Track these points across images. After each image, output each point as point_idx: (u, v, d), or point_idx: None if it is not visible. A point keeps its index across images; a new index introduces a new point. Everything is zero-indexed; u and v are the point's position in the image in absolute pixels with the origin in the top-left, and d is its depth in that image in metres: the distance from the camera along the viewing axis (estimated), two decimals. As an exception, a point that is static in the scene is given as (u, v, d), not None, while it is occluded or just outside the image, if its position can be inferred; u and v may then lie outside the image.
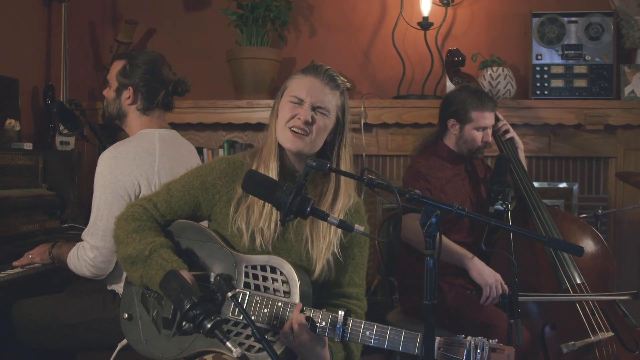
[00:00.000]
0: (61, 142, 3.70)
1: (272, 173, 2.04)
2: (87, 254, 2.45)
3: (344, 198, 2.08)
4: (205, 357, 1.97)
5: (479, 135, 3.14)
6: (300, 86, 2.06)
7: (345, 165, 2.11)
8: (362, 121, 4.07)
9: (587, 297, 2.94)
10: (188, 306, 1.67)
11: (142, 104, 2.66)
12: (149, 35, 4.60)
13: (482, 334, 1.79)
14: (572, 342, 2.88)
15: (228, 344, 1.66)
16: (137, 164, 2.50)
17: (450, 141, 3.22)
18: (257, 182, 1.82)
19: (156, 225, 2.12)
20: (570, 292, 2.95)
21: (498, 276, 2.86)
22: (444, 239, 2.98)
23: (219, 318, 1.69)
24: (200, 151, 4.09)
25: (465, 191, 3.21)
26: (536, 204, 3.14)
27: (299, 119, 2.01)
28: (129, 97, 2.64)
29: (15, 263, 2.73)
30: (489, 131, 3.17)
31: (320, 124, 2.03)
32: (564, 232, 3.09)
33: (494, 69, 4.04)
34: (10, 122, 3.25)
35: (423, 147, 3.33)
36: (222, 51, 4.32)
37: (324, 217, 1.78)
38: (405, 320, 3.17)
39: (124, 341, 2.23)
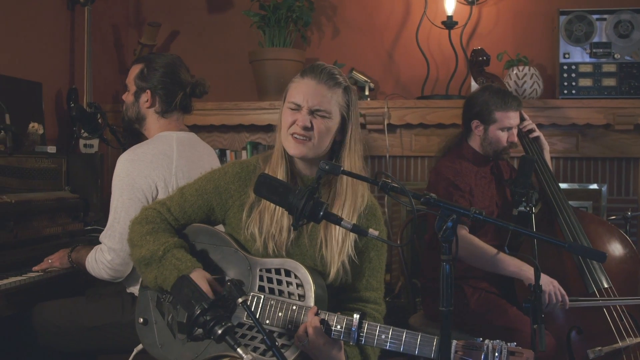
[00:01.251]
0: (85, 145, 3.73)
1: (281, 178, 2.00)
2: (105, 257, 2.46)
3: (357, 198, 2.04)
4: (219, 362, 1.96)
5: (504, 135, 3.08)
6: (297, 90, 2.02)
7: (355, 164, 2.05)
8: (386, 122, 4.03)
9: (616, 301, 2.87)
10: (198, 312, 1.66)
11: (161, 107, 2.66)
12: (172, 37, 4.62)
13: (505, 339, 1.75)
14: (599, 348, 2.82)
15: (239, 350, 1.64)
16: (155, 167, 2.50)
17: (475, 143, 3.16)
18: (269, 185, 1.79)
19: (170, 228, 2.11)
20: (597, 296, 2.88)
21: (555, 282, 2.79)
22: (496, 251, 2.90)
23: (230, 324, 1.67)
24: (223, 153, 4.10)
25: (492, 193, 3.15)
26: (562, 206, 3.07)
27: (297, 125, 1.98)
28: (147, 100, 2.65)
29: (35, 268, 2.75)
30: (514, 131, 3.11)
31: (321, 128, 1.99)
32: (591, 235, 3.02)
33: (520, 68, 3.97)
34: (34, 126, 3.28)
35: (447, 149, 3.27)
36: (244, 52, 4.32)
37: (337, 221, 1.75)
38: (428, 324, 3.12)
39: (140, 346, 2.23)
